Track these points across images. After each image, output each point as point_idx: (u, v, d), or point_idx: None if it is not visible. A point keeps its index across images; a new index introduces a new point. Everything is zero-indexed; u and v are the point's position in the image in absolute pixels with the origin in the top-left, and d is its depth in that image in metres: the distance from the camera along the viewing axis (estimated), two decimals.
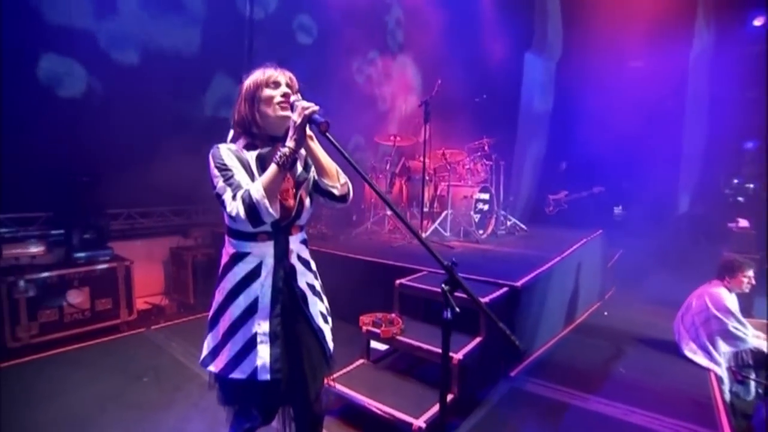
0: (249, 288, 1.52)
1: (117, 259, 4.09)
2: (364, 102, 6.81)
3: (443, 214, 5.02)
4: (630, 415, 2.75)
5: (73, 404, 2.76)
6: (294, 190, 1.57)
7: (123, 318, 4.02)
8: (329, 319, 1.73)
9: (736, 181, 6.48)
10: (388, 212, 5.33)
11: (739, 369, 3.38)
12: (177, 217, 4.99)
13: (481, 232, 5.16)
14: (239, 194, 1.39)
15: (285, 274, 1.56)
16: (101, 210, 4.21)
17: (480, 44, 6.91)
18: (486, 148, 5.59)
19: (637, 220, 6.62)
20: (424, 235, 4.75)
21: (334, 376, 2.71)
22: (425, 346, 2.73)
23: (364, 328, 2.98)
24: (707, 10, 6.38)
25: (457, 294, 1.30)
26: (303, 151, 1.56)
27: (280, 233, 1.55)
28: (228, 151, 1.50)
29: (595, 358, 3.65)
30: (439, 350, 2.56)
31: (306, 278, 1.65)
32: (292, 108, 1.46)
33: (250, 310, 1.52)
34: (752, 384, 3.35)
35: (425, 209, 5.08)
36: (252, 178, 1.48)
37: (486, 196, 5.35)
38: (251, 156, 1.52)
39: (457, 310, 1.30)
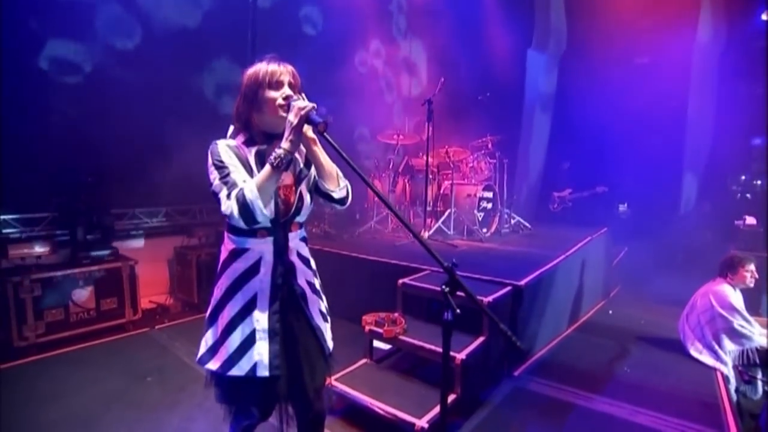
0: (248, 284, 1.52)
1: (122, 259, 4.11)
2: (369, 94, 6.80)
3: (447, 213, 5.00)
4: (635, 415, 2.73)
5: (77, 404, 2.78)
6: (294, 187, 1.56)
7: (128, 317, 4.04)
8: (328, 318, 1.73)
9: (743, 177, 6.41)
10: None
11: (745, 368, 3.34)
12: (181, 217, 5.00)
13: (484, 230, 5.14)
14: (234, 193, 1.39)
15: (284, 270, 1.56)
16: (106, 210, 4.22)
17: (483, 41, 6.87)
18: (490, 146, 5.56)
19: (642, 217, 6.57)
20: (427, 234, 4.74)
21: (337, 375, 2.75)
22: (428, 346, 2.72)
23: (367, 327, 2.97)
24: (714, 5, 6.30)
25: (459, 294, 1.29)
26: (304, 149, 1.56)
27: (279, 229, 1.54)
28: (226, 148, 1.49)
29: (600, 357, 3.63)
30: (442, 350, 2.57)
31: (305, 276, 1.65)
32: (288, 108, 1.44)
33: (249, 307, 1.51)
34: (759, 383, 3.32)
35: (428, 208, 5.07)
36: (251, 174, 1.47)
37: (490, 195, 5.32)
38: (250, 152, 1.52)
39: (458, 311, 1.29)
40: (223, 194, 1.41)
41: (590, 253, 4.75)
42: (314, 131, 1.45)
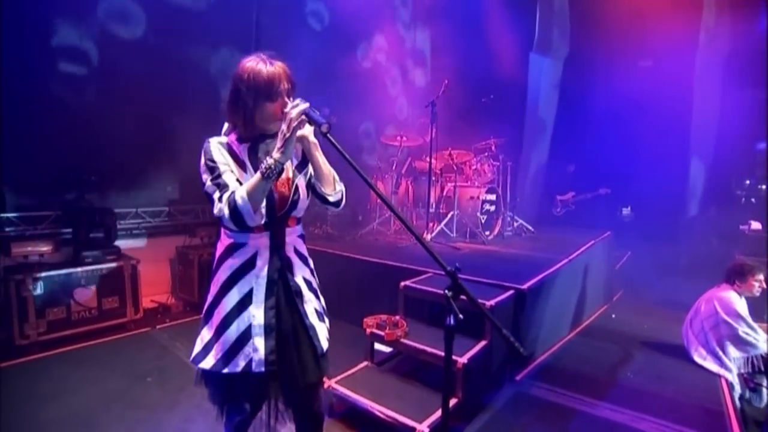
0: (244, 279, 1.51)
1: (124, 258, 4.11)
2: (372, 95, 6.80)
3: (449, 215, 4.99)
4: (638, 421, 2.70)
5: (77, 403, 2.77)
6: (291, 181, 1.56)
7: (129, 316, 4.04)
8: (325, 318, 1.71)
9: (748, 182, 6.36)
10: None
11: (750, 375, 3.31)
12: (184, 216, 5.00)
13: (487, 233, 5.12)
14: (225, 196, 1.40)
15: (281, 265, 1.55)
16: (109, 209, 4.23)
17: (487, 44, 6.86)
18: (493, 148, 5.55)
19: (645, 221, 6.54)
20: (429, 237, 4.73)
21: (337, 378, 2.74)
22: (429, 350, 2.70)
23: (368, 330, 2.96)
24: (719, 9, 6.27)
25: (462, 297, 1.27)
26: (300, 145, 1.55)
27: (276, 224, 1.54)
28: (219, 146, 1.49)
29: (603, 362, 3.60)
30: (443, 354, 2.55)
31: (302, 273, 1.64)
32: (285, 116, 1.41)
33: (245, 302, 1.51)
34: (765, 391, 3.28)
35: (431, 210, 5.05)
36: (245, 170, 1.48)
37: (493, 197, 5.31)
38: (244, 148, 1.52)
39: (460, 316, 1.27)
40: (215, 196, 1.42)
41: (593, 256, 4.73)
42: (318, 132, 1.44)
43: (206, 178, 1.46)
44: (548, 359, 3.61)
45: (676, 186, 6.52)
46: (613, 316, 4.83)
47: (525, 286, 3.16)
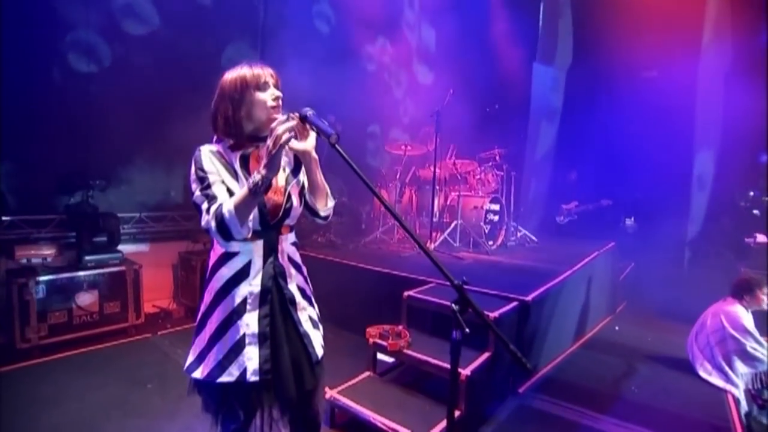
0: (237, 288, 1.49)
1: (126, 263, 4.10)
2: (376, 104, 6.83)
3: (453, 225, 4.98)
4: None
5: (77, 409, 2.75)
6: (284, 189, 1.55)
7: (131, 321, 4.03)
8: (320, 325, 1.70)
9: (752, 193, 6.33)
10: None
11: (758, 392, 3.27)
12: (187, 222, 5.00)
13: (491, 243, 5.11)
14: (213, 208, 1.39)
15: (274, 273, 1.54)
16: (112, 213, 4.23)
17: (491, 54, 6.89)
18: (497, 158, 5.55)
19: (649, 232, 6.50)
20: (432, 246, 4.71)
21: (339, 388, 2.71)
22: (433, 361, 2.68)
23: (371, 340, 2.94)
24: (721, 21, 6.28)
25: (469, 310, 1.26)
26: (291, 152, 1.54)
27: (269, 232, 1.53)
28: (210, 155, 1.48)
29: (606, 375, 3.57)
30: (447, 365, 2.53)
31: (296, 281, 1.63)
32: (271, 132, 1.37)
33: (239, 311, 1.49)
34: None
35: (435, 219, 5.04)
36: (236, 178, 1.47)
37: (496, 207, 5.30)
38: (235, 156, 1.51)
39: (467, 330, 1.26)
40: (203, 207, 1.41)
41: (597, 268, 4.70)
42: (326, 143, 1.43)
43: (195, 188, 1.45)
44: (551, 371, 3.58)
45: (680, 197, 6.50)
46: (617, 328, 4.80)
47: (529, 298, 3.14)
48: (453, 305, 1.27)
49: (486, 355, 2.76)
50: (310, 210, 1.63)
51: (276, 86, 1.52)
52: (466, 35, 6.82)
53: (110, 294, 3.92)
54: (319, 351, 1.63)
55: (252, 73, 1.48)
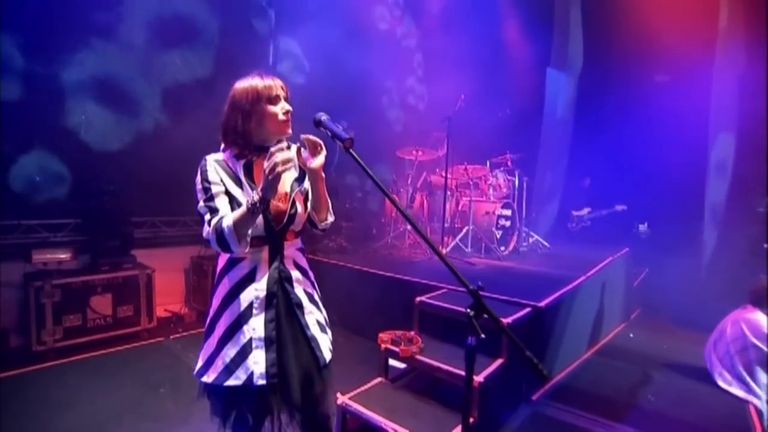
0: (244, 292, 1.52)
1: (139, 267, 4.15)
2: (386, 110, 6.83)
3: (464, 230, 4.95)
4: None
5: (90, 413, 2.77)
6: (289, 196, 1.58)
7: (143, 325, 4.06)
8: (327, 330, 1.71)
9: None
10: (409, 227, 5.29)
11: None
12: (199, 227, 5.00)
13: (503, 248, 5.07)
14: (214, 221, 1.44)
15: (280, 278, 1.56)
16: (126, 218, 4.28)
17: (503, 59, 6.88)
18: (509, 163, 5.52)
19: (663, 237, 6.40)
20: (444, 251, 4.69)
21: (351, 394, 2.70)
22: (446, 367, 2.65)
23: (383, 345, 2.92)
24: (735, 21, 6.20)
25: (484, 316, 1.24)
26: (296, 159, 1.55)
27: (275, 238, 1.56)
28: (215, 165, 1.52)
29: (621, 383, 3.50)
30: (459, 371, 2.51)
31: (303, 285, 1.65)
32: (270, 156, 1.38)
33: (245, 315, 1.51)
34: None
35: (446, 224, 5.02)
36: (241, 186, 1.51)
37: (508, 212, 5.26)
38: (240, 165, 1.54)
39: (483, 336, 1.25)
40: (206, 218, 1.47)
41: (611, 274, 4.64)
42: (341, 148, 1.43)
43: (200, 198, 1.50)
44: (565, 379, 3.52)
45: (696, 202, 6.39)
46: (631, 335, 4.71)
47: (542, 304, 3.10)
48: (468, 310, 1.26)
49: (499, 361, 2.73)
50: (309, 221, 1.67)
51: (286, 99, 1.56)
52: (480, 40, 6.80)
53: (123, 298, 3.97)
54: (327, 355, 1.63)
55: (264, 84, 1.51)
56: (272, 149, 1.38)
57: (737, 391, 3.28)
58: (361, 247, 5.21)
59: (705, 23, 6.12)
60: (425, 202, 5.49)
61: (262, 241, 1.53)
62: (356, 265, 4.24)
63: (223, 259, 1.58)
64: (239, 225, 1.41)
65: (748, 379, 3.25)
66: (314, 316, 1.64)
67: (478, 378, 2.51)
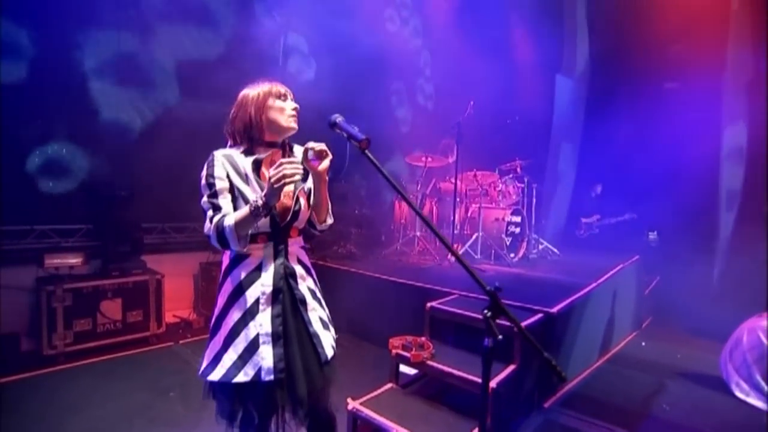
0: (249, 289, 1.53)
1: (149, 272, 4.16)
2: (397, 117, 6.83)
3: (474, 237, 4.93)
4: None
5: (100, 417, 2.77)
6: (293, 192, 1.59)
7: (152, 331, 4.07)
8: (330, 327, 1.72)
9: None
10: (418, 233, 5.28)
11: None
12: None
13: (512, 255, 5.04)
14: (215, 219, 1.47)
15: (285, 274, 1.58)
16: (136, 224, 4.31)
17: (512, 66, 6.89)
18: (518, 169, 5.51)
19: (673, 245, 6.33)
20: (453, 259, 4.66)
21: (362, 399, 2.68)
22: (457, 373, 2.62)
23: (394, 351, 2.90)
24: (745, 28, 6.17)
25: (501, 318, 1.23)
26: (299, 155, 1.60)
27: (279, 234, 1.58)
28: (223, 160, 1.55)
29: (634, 391, 3.44)
30: (472, 377, 2.49)
31: (306, 282, 1.66)
32: (278, 165, 1.42)
33: (252, 312, 1.53)
34: None
35: (456, 231, 5.01)
36: (247, 182, 1.53)
37: (518, 219, 5.24)
38: (248, 161, 1.56)
39: (500, 337, 1.23)
40: (209, 215, 1.50)
41: (621, 281, 4.59)
42: (357, 148, 1.44)
43: (204, 193, 1.54)
44: (577, 386, 3.47)
45: (707, 209, 6.32)
46: (643, 343, 4.65)
47: (554, 310, 3.07)
48: (485, 311, 1.25)
49: (511, 367, 2.69)
50: (308, 221, 1.70)
51: (293, 100, 1.64)
52: (489, 47, 6.82)
53: (133, 303, 3.99)
54: (329, 351, 1.64)
55: (273, 85, 1.60)
56: (282, 160, 1.41)
57: (756, 402, 3.20)
58: (370, 253, 5.20)
59: (714, 30, 6.10)
60: (434, 208, 5.49)
61: (267, 237, 1.55)
62: (366, 272, 4.23)
63: (227, 257, 1.60)
64: (240, 225, 1.44)
65: (766, 388, 3.19)
66: (317, 313, 1.66)
67: (491, 384, 2.48)
